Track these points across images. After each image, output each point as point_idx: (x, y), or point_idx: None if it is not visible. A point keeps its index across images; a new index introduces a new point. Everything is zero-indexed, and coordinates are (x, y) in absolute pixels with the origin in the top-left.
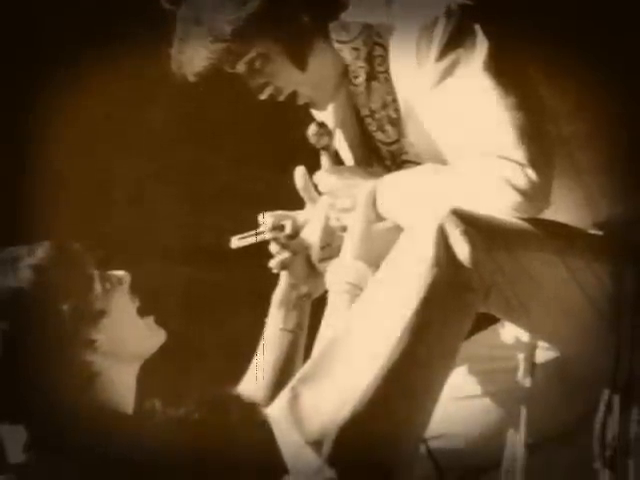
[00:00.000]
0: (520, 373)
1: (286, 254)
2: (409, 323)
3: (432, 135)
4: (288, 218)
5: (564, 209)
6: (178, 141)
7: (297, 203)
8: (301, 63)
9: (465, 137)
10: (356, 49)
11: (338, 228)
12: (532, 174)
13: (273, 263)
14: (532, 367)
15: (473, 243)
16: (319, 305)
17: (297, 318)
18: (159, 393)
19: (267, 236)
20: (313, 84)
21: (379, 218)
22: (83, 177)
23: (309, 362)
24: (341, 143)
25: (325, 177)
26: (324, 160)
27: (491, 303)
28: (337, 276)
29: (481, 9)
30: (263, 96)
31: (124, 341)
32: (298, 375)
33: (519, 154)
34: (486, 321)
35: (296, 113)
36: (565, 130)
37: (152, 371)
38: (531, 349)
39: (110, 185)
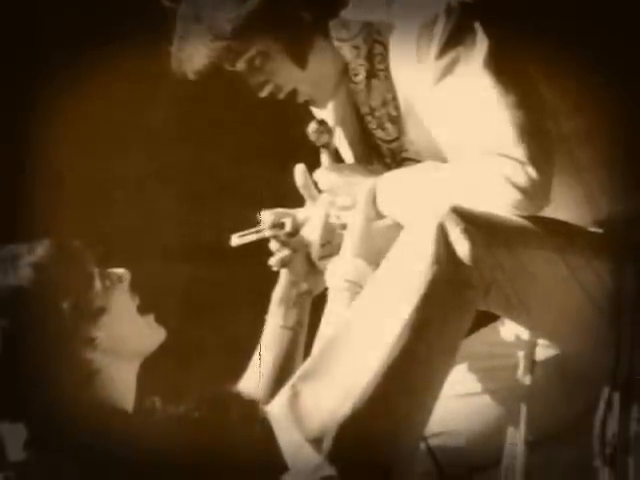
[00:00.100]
0: (520, 371)
1: (286, 252)
2: (409, 320)
3: (432, 133)
4: (288, 216)
5: (564, 207)
6: (178, 139)
7: (297, 201)
8: (301, 61)
9: (465, 135)
10: (356, 47)
11: (338, 226)
12: (532, 172)
13: (273, 261)
14: (532, 364)
15: (473, 241)
16: (319, 302)
17: (297, 315)
18: (159, 391)
19: (267, 234)
20: (313, 82)
21: (379, 216)
22: (83, 175)
23: (309, 359)
24: (341, 141)
25: (325, 175)
26: (324, 158)
27: (491, 300)
28: (337, 274)
29: (481, 7)
30: (263, 94)
31: (124, 339)
32: (298, 373)
33: (519, 152)
34: (486, 319)
35: (296, 111)
36: (565, 127)
37: (152, 369)
38: (531, 346)
39: (110, 183)
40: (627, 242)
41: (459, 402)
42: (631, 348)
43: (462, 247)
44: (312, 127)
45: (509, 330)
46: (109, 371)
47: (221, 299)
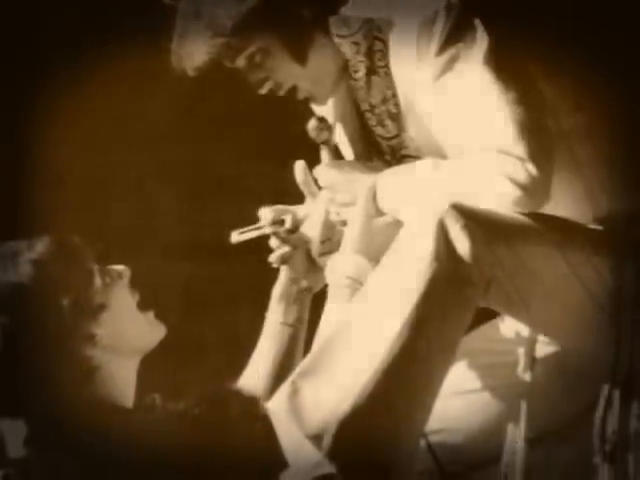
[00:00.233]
0: (520, 367)
1: (286, 248)
2: (409, 318)
3: (432, 130)
4: (288, 212)
5: (564, 203)
6: (178, 136)
7: (297, 197)
8: (301, 58)
9: (465, 132)
10: (356, 44)
11: (338, 222)
12: (532, 169)
13: (273, 257)
14: (532, 361)
15: (473, 238)
16: (319, 299)
17: (297, 312)
18: (159, 388)
19: (267, 231)
20: (313, 79)
21: (379, 213)
22: (83, 172)
23: (309, 356)
24: (341, 138)
25: (325, 171)
26: (324, 154)
27: (491, 297)
28: (337, 270)
29: (481, 4)
30: (263, 91)
31: (124, 336)
32: (298, 369)
33: (519, 149)
34: (486, 316)
35: (296, 108)
36: (565, 124)
37: (152, 366)
38: (531, 343)
39: (110, 180)
40: (627, 239)
41: (459, 399)
42: (631, 345)
43: (462, 244)
44: (312, 124)
45: (509, 327)
46: (109, 368)
47: (221, 296)
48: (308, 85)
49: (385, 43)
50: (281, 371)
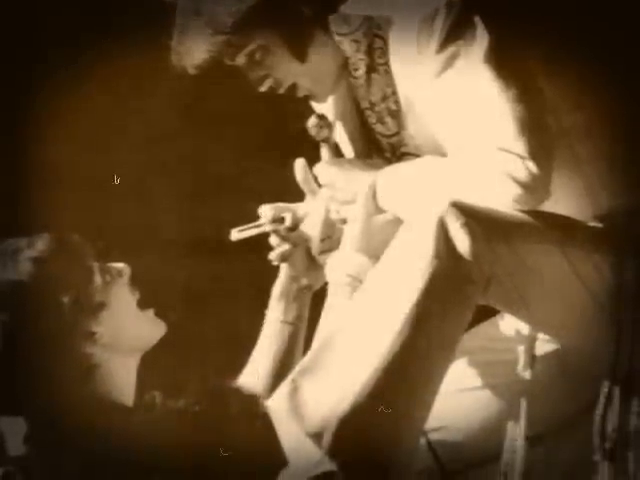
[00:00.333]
0: (520, 365)
1: (286, 246)
2: (409, 315)
3: (432, 127)
4: (288, 210)
5: (564, 201)
6: (178, 134)
7: (297, 195)
8: (301, 55)
9: (465, 129)
10: (356, 41)
11: (338, 220)
12: (532, 166)
13: (273, 255)
14: (532, 359)
15: (473, 235)
16: (319, 297)
17: (297, 310)
18: (159, 385)
19: (267, 228)
20: (313, 76)
21: (379, 210)
22: (83, 169)
23: (309, 354)
24: (341, 135)
25: (325, 169)
26: (324, 152)
27: (491, 295)
28: (337, 268)
29: (481, 1)
30: (263, 88)
31: (124, 333)
32: (298, 367)
33: (519, 146)
34: (486, 313)
35: (296, 105)
36: (565, 122)
37: (152, 363)
38: (531, 341)
39: (110, 178)
40: (627, 236)
41: (459, 397)
42: (631, 342)
43: (462, 242)
44: (312, 121)
45: (509, 325)
46: (109, 366)
47: (221, 294)
48: (308, 83)
49: (385, 41)
50: (281, 369)
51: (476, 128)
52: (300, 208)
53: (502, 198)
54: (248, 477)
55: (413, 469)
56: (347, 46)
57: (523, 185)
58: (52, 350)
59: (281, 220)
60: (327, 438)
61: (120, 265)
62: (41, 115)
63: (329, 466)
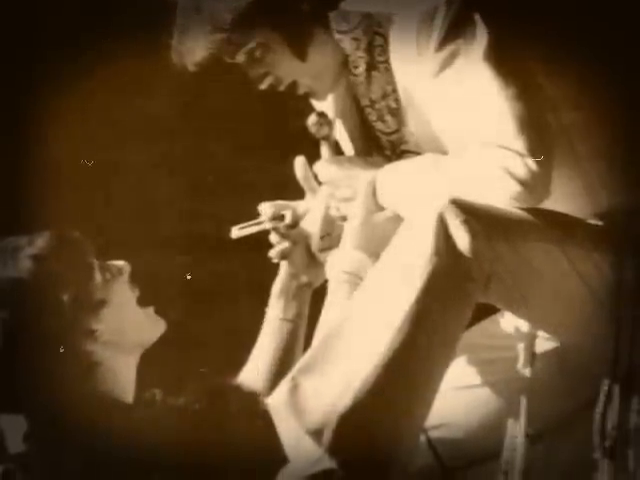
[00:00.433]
0: (520, 363)
1: (286, 244)
2: (409, 313)
3: (432, 125)
4: (288, 208)
5: (564, 199)
6: (178, 131)
7: (297, 193)
8: (301, 53)
9: (465, 127)
10: (356, 39)
11: (338, 218)
12: (532, 164)
13: (273, 253)
14: (532, 357)
15: (473, 233)
16: (319, 295)
17: (297, 308)
18: (159, 383)
19: (267, 226)
20: (313, 74)
21: (379, 208)
22: (83, 167)
23: (309, 352)
24: (341, 133)
25: (325, 167)
26: (324, 150)
27: (491, 293)
28: (337, 266)
29: None
30: (263, 86)
31: (124, 331)
32: (298, 365)
33: (519, 144)
34: (486, 311)
35: (296, 103)
36: (565, 119)
37: (152, 361)
38: (531, 339)
39: (110, 175)
40: (627, 234)
41: (459, 394)
42: (631, 340)
43: (462, 239)
44: (312, 119)
45: (509, 322)
46: (109, 363)
47: (221, 291)
48: (308, 80)
49: (385, 38)
50: (281, 367)
51: (476, 126)
52: (300, 206)
53: (502, 195)
54: (248, 474)
55: (413, 466)
56: (347, 44)
57: (523, 183)
58: (52, 348)
59: (281, 218)
60: (327, 435)
61: (120, 263)
62: (42, 113)
63: (329, 463)
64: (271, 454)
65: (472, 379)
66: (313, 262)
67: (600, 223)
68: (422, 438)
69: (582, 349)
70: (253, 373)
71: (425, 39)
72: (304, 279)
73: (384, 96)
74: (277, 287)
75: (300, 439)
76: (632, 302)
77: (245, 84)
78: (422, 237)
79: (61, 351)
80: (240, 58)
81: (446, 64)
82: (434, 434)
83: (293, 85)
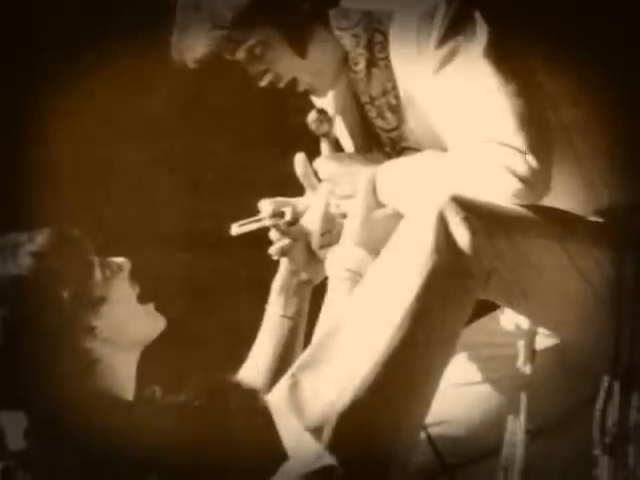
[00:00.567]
0: (520, 360)
1: (286, 241)
2: (409, 310)
3: (432, 122)
4: (288, 205)
5: (564, 195)
6: (178, 128)
7: (297, 190)
8: (301, 50)
9: (465, 124)
10: (356, 36)
11: (338, 215)
12: (532, 161)
13: (273, 250)
14: (532, 354)
15: (473, 230)
16: (319, 292)
17: (297, 305)
18: (159, 380)
19: (267, 223)
20: (313, 71)
21: (379, 205)
22: (83, 164)
23: (309, 349)
24: (341, 130)
25: (325, 164)
26: (324, 147)
27: (491, 290)
28: (337, 263)
29: None
30: (263, 83)
31: (124, 328)
32: (298, 362)
33: (519, 141)
34: (486, 308)
35: (296, 100)
36: (565, 116)
37: (152, 358)
38: (531, 336)
39: (110, 172)
40: (627, 231)
41: (459, 391)
42: (631, 337)
43: (462, 236)
44: (312, 116)
45: (509, 319)
46: (109, 360)
47: (221, 288)
48: (308, 77)
49: (385, 35)
50: (281, 364)
51: (476, 123)
52: (300, 202)
53: (502, 192)
54: (248, 472)
55: (413, 463)
56: (347, 41)
57: (523, 179)
58: (52, 345)
59: (281, 214)
60: (327, 432)
61: (120, 259)
62: (42, 111)
63: (329, 460)
64: (271, 451)
65: (472, 376)
66: (313, 259)
67: (600, 220)
68: (422, 435)
69: (582, 346)
70: (253, 370)
71: (425, 36)
72: (304, 276)
73: (384, 93)
74: (277, 284)
75: (300, 436)
76: (632, 299)
77: (245, 81)
78: (422, 234)
79: (60, 349)
80: (240, 55)
81: (446, 61)
82: (434, 431)
83: (293, 82)
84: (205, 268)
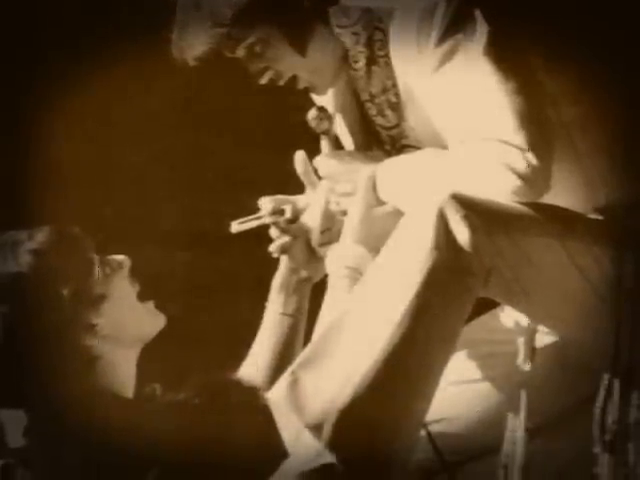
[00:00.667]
0: (520, 357)
1: (286, 238)
2: (409, 307)
3: (432, 120)
4: (288, 202)
5: (564, 193)
6: (178, 126)
7: (297, 187)
8: (301, 48)
9: (465, 122)
10: (356, 34)
11: (338, 212)
12: (532, 158)
13: (273, 247)
14: (532, 351)
15: (473, 227)
16: (319, 289)
17: (297, 302)
18: (159, 377)
19: (267, 220)
20: (313, 69)
21: (379, 202)
22: (84, 162)
23: (309, 346)
24: (341, 127)
25: (325, 161)
26: (324, 144)
27: (491, 287)
28: (337, 260)
29: None
30: (263, 80)
31: (124, 325)
32: (298, 359)
33: (519, 138)
34: (486, 306)
35: (296, 98)
36: (565, 114)
37: (152, 356)
38: (531, 333)
39: (110, 170)
40: (627, 229)
41: (459, 389)
42: (631, 335)
43: (462, 234)
44: (312, 114)
45: (509, 317)
46: (109, 358)
47: (221, 286)
48: (308, 75)
49: (385, 33)
50: (281, 361)
51: (476, 120)
52: (300, 200)
53: (502, 190)
54: (248, 469)
55: (413, 461)
56: (347, 38)
57: (523, 177)
58: (52, 342)
59: (281, 212)
60: (327, 430)
61: (120, 257)
62: (42, 108)
63: (329, 458)
64: (271, 449)
65: (472, 373)
66: (313, 257)
67: (600, 217)
68: (422, 432)
69: (582, 343)
70: (253, 368)
71: (425, 34)
72: (304, 273)
73: (384, 90)
74: (277, 282)
75: (300, 433)
76: (632, 297)
77: (245, 79)
78: (422, 232)
79: (60, 346)
80: (240, 53)
81: (446, 59)
82: (434, 428)
83: (293, 80)
84: (205, 266)
